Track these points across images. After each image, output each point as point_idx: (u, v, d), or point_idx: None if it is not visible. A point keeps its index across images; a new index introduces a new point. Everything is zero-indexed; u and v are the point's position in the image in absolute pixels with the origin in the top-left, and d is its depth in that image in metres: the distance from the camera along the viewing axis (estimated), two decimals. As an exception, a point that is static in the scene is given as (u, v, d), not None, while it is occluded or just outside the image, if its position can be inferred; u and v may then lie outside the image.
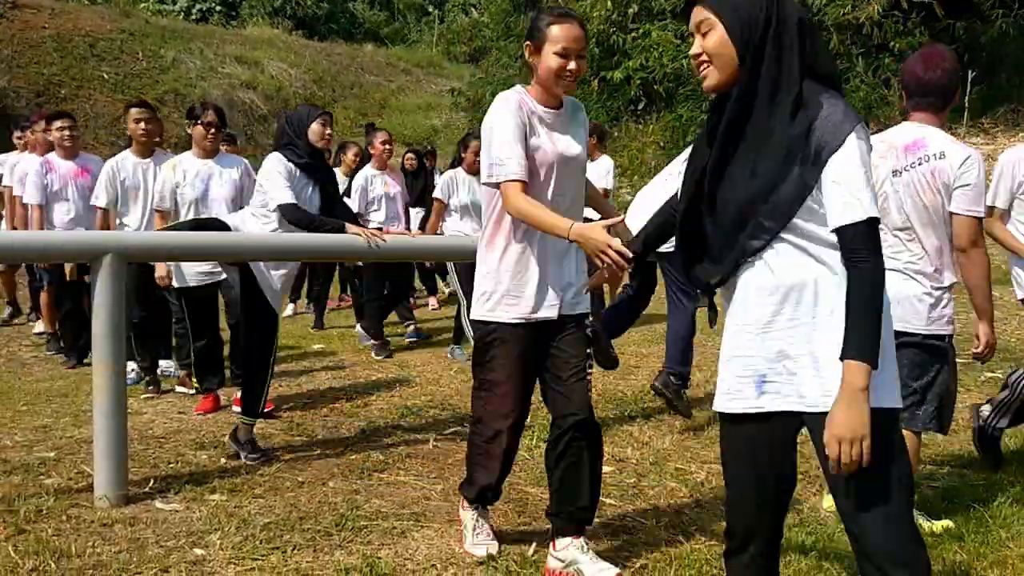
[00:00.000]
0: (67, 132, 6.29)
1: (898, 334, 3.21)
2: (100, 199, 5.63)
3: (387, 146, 7.23)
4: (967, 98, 14.71)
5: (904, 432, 3.29)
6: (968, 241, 3.22)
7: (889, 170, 3.30)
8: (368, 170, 7.18)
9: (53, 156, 6.35)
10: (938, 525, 3.33)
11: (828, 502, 3.60)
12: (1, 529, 3.28)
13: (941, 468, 4.21)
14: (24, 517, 3.39)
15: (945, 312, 3.28)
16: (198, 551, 3.14)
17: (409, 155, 9.67)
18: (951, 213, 3.22)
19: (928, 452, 4.43)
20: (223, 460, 4.25)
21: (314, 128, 4.43)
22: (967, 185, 3.19)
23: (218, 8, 23.94)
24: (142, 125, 5.62)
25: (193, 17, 23.21)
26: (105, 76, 15.66)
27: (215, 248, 4.09)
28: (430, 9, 28.15)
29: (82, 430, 4.60)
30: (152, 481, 3.88)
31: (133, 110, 5.74)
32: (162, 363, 6.09)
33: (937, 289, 3.25)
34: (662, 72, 16.36)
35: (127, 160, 5.64)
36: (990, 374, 5.95)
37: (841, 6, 14.47)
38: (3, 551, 3.07)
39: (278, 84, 18.46)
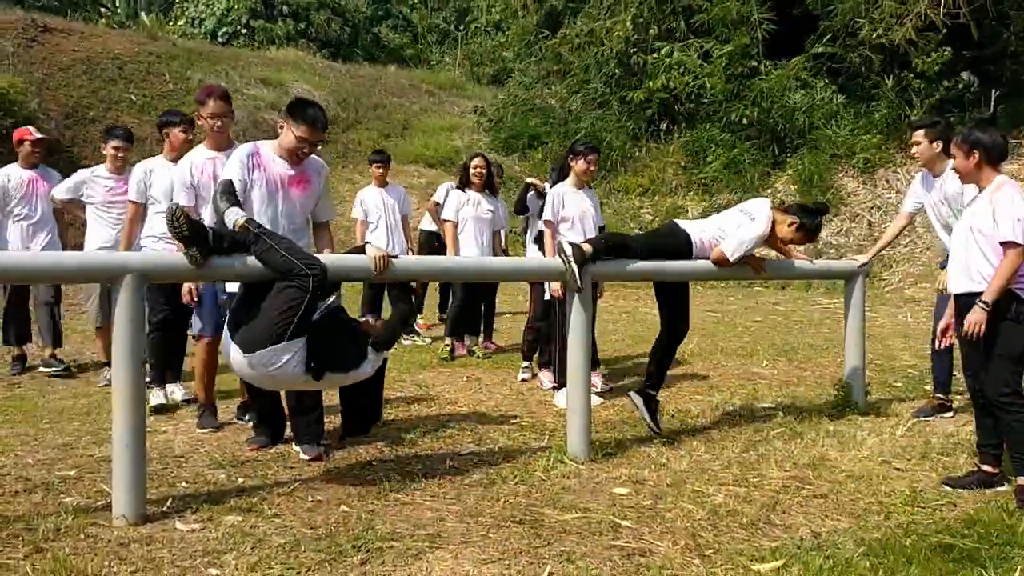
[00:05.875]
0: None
1: None
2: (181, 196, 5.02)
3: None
4: (991, 115, 14.61)
5: None
6: None
7: None
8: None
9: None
10: None
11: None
12: (19, 547, 3.30)
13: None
14: (42, 535, 3.42)
15: None
16: (213, 571, 3.15)
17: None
18: None
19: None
20: (240, 480, 4.26)
21: None
22: None
23: (243, 31, 24.21)
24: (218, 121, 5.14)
25: (219, 40, 23.49)
26: (133, 98, 15.85)
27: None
28: (453, 32, 28.37)
29: (103, 449, 4.64)
30: (170, 500, 3.90)
31: (212, 101, 5.11)
32: (169, 386, 5.94)
33: None
34: (684, 92, 16.36)
35: (199, 154, 5.17)
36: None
37: (874, 28, 14.47)
38: (21, 570, 3.10)
39: (302, 105, 18.61)
